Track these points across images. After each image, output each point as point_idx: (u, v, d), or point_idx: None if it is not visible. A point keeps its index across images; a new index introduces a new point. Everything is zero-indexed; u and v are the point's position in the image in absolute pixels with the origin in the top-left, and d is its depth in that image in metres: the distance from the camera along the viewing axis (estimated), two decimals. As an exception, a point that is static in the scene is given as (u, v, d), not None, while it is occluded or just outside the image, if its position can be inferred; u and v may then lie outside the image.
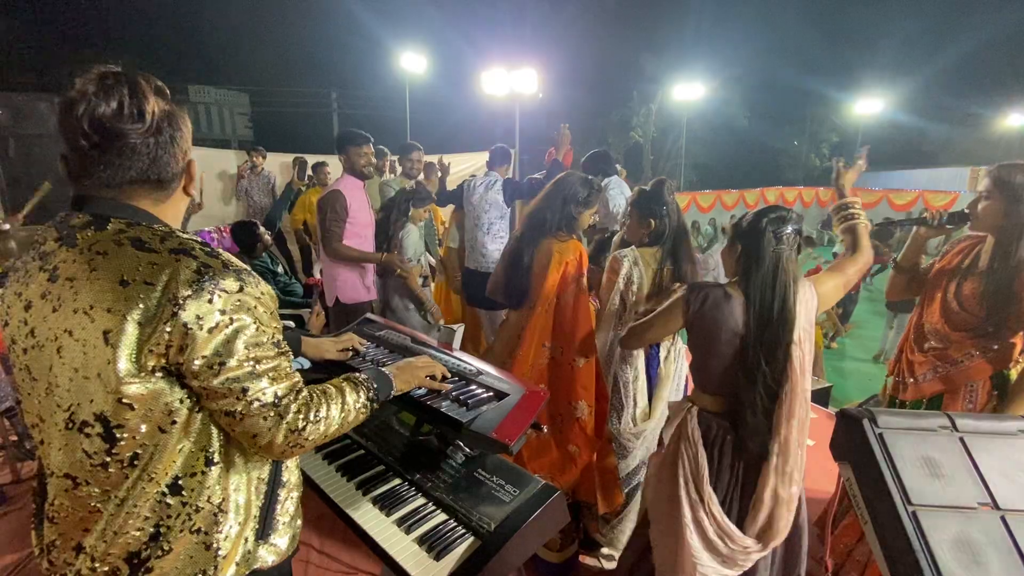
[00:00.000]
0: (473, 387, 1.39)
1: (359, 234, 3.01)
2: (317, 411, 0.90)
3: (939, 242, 2.11)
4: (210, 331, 0.77)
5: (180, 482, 0.83)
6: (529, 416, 1.27)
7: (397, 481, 1.39)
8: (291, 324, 2.58)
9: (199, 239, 0.86)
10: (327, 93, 21.29)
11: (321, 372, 1.48)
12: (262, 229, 3.63)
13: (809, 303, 1.54)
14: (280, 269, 4.09)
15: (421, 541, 1.18)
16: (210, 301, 0.77)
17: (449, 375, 1.38)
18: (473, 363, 1.50)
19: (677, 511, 1.61)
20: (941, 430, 0.98)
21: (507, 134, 11.17)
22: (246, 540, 0.90)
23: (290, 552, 0.98)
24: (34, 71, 16.70)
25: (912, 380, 1.90)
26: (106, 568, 0.83)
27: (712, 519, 1.56)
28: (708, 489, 1.58)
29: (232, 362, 0.79)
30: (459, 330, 2.53)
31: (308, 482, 1.36)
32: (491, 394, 1.35)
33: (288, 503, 0.98)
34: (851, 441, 1.00)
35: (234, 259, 0.85)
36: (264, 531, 0.93)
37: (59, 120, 0.80)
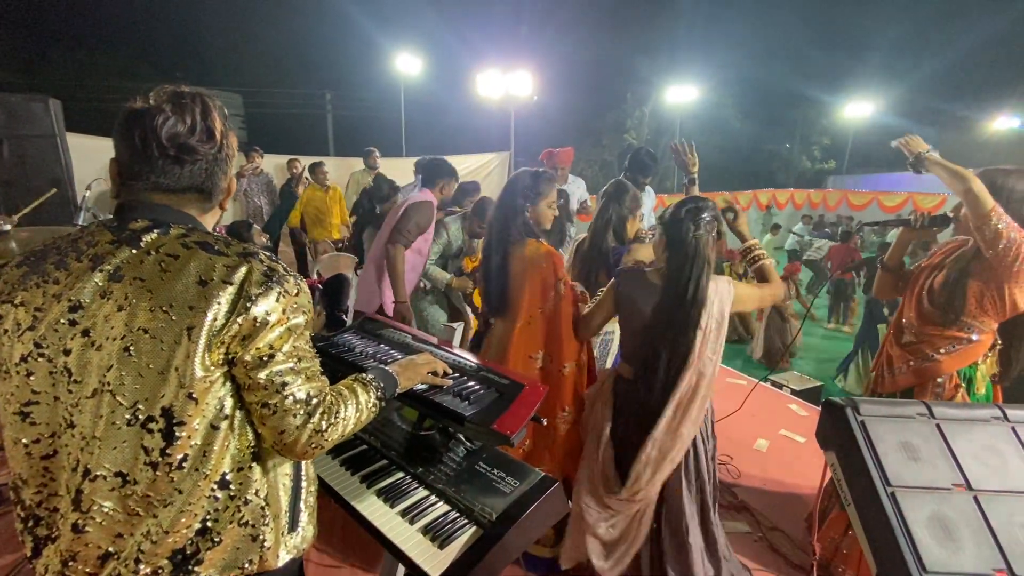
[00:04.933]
0: (473, 383, 1.43)
1: (419, 250, 2.96)
2: (337, 412, 0.94)
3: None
4: (271, 327, 0.84)
5: (228, 477, 0.87)
6: (529, 410, 1.31)
7: (400, 474, 1.43)
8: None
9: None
10: (321, 94, 21.24)
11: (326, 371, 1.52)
12: (256, 229, 3.65)
13: (724, 296, 1.66)
14: None
15: (425, 531, 1.22)
16: (277, 300, 0.84)
17: (451, 371, 1.42)
18: (473, 360, 1.54)
19: (583, 463, 1.83)
20: (919, 417, 1.04)
21: (502, 136, 11.21)
22: (283, 531, 0.95)
23: (313, 540, 1.04)
24: (27, 71, 16.59)
25: (890, 374, 1.98)
26: (148, 570, 0.84)
27: (602, 471, 1.74)
28: (604, 444, 1.76)
29: (279, 356, 0.85)
30: (459, 328, 2.57)
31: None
32: (491, 389, 1.39)
33: (309, 496, 1.03)
34: (835, 429, 1.05)
35: (286, 266, 0.91)
36: (294, 522, 0.98)
37: (123, 127, 0.85)
